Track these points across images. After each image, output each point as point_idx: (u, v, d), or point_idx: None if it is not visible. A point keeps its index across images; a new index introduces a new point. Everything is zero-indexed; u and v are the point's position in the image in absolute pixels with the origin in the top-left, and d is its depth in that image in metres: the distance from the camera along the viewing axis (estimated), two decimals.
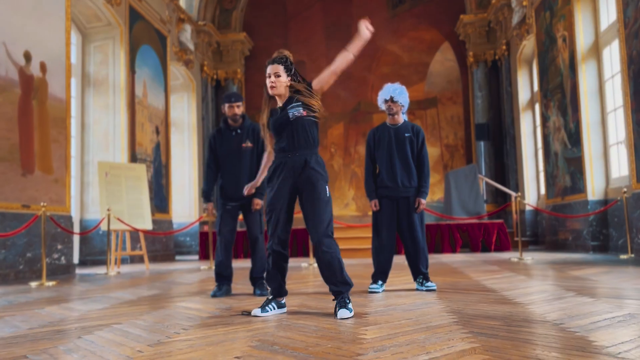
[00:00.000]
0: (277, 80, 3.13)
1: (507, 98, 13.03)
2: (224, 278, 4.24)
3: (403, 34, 14.54)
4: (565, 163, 9.33)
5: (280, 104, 3.21)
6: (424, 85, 14.30)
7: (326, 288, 4.44)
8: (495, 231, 9.81)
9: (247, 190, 3.70)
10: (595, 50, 8.59)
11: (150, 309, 3.55)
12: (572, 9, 8.73)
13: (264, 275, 3.21)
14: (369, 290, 4.05)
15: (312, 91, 3.17)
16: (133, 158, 9.99)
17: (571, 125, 9.01)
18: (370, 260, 5.09)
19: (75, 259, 9.22)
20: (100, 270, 7.88)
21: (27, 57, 7.10)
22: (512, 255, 8.07)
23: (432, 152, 14.18)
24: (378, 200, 4.17)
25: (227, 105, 4.21)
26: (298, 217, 3.28)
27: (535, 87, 11.50)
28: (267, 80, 3.15)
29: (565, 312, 2.84)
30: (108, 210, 7.49)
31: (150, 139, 10.90)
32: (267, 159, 3.41)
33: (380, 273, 4.14)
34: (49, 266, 7.02)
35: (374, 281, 4.14)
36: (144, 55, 10.76)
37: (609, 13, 8.29)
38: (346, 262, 8.03)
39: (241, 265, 7.62)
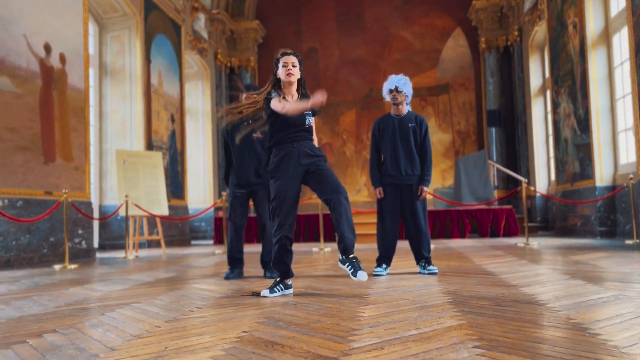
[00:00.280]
0: (295, 69, 3.37)
1: (519, 84, 13.06)
2: (236, 261, 4.48)
3: (415, 21, 14.57)
4: (575, 149, 9.40)
5: (290, 99, 3.40)
6: (435, 71, 14.35)
7: (333, 271, 4.66)
8: (504, 217, 9.94)
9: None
10: (605, 37, 8.61)
11: (167, 289, 3.80)
12: None
13: (277, 260, 3.40)
14: (373, 273, 4.26)
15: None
16: (149, 146, 10.26)
17: (581, 112, 9.07)
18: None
19: (95, 243, 9.57)
20: (119, 254, 8.19)
21: (47, 49, 7.35)
22: (519, 241, 8.21)
23: (444, 138, 14.28)
24: (382, 188, 4.35)
25: (245, 95, 4.37)
26: (306, 204, 3.49)
27: (547, 74, 11.52)
28: (283, 69, 3.35)
29: (554, 293, 3.02)
30: (126, 196, 7.77)
31: (166, 127, 11.15)
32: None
33: (384, 257, 4.34)
34: (70, 250, 7.33)
35: (378, 265, 4.34)
36: (159, 45, 10.98)
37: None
38: (356, 246, 8.23)
39: (252, 250, 7.87)
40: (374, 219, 10.00)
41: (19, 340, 2.25)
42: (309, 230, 10.43)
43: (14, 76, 6.67)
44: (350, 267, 3.14)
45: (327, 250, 7.83)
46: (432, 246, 7.61)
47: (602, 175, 8.54)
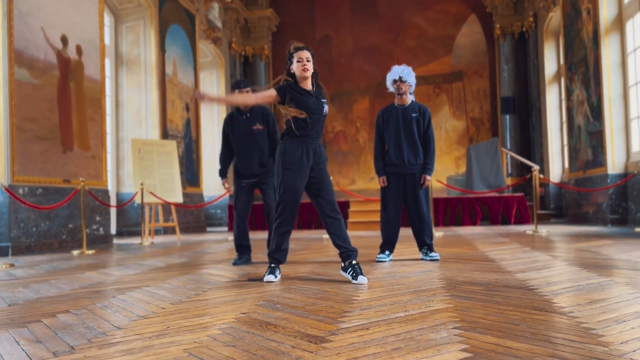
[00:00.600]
0: (309, 64, 3.47)
1: (533, 71, 12.97)
2: (243, 247, 4.64)
3: (429, 7, 14.50)
4: (588, 137, 9.36)
5: (307, 87, 3.51)
6: (449, 58, 14.30)
7: (336, 257, 4.79)
8: (515, 204, 9.97)
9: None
10: (619, 23, 8.53)
11: (177, 274, 3.97)
12: None
13: (278, 248, 3.53)
14: (377, 259, 4.38)
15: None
16: (164, 134, 10.46)
17: (593, 99, 9.02)
18: None
19: (113, 229, 9.84)
20: (135, 240, 8.44)
21: (64, 40, 7.54)
22: (528, 228, 8.25)
23: (458, 125, 14.27)
24: (386, 177, 4.46)
25: (237, 91, 4.54)
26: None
27: (562, 60, 11.42)
28: (298, 64, 3.44)
29: (546, 279, 3.11)
30: (141, 184, 7.98)
31: (181, 116, 11.35)
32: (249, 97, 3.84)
33: (387, 244, 4.45)
34: (88, 236, 7.58)
35: (382, 251, 4.46)
36: (173, 34, 11.14)
37: None
38: (364, 233, 8.38)
39: (260, 237, 8.03)
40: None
41: (34, 320, 2.43)
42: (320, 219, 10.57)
43: (32, 68, 6.88)
44: (351, 271, 3.31)
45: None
46: (440, 233, 7.70)
47: (614, 162, 8.51)
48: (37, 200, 6.69)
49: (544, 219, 10.43)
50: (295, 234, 9.06)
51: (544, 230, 7.65)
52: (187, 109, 11.67)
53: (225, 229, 12.34)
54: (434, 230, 7.71)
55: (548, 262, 3.98)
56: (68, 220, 7.30)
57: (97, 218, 7.95)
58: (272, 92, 3.48)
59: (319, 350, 1.76)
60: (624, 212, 8.35)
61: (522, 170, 13.07)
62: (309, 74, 3.46)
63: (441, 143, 14.16)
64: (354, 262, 3.36)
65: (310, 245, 6.53)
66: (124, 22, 10.55)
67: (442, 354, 1.66)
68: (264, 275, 3.49)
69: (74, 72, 7.70)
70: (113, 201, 9.75)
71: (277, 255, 3.52)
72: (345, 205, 9.95)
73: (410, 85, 4.43)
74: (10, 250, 6.23)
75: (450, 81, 14.34)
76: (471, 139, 14.12)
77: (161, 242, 8.17)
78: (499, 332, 1.91)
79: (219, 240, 8.11)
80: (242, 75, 14.83)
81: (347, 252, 3.41)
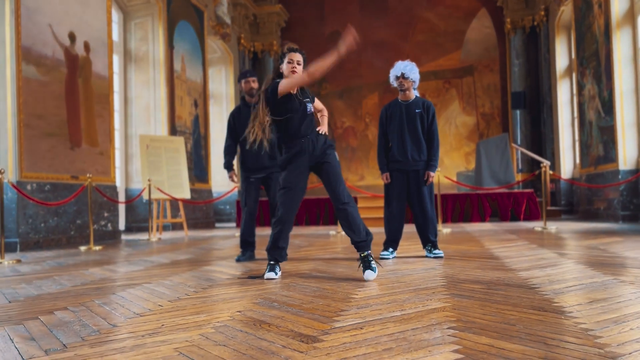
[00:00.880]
0: (299, 67, 3.49)
1: (544, 66, 12.81)
2: (248, 244, 4.64)
3: (439, 2, 14.38)
4: (599, 132, 9.24)
5: (293, 90, 3.48)
6: (459, 53, 14.18)
7: (343, 255, 4.78)
8: (525, 201, 9.87)
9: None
10: (631, 17, 8.39)
11: (179, 271, 3.98)
12: None
13: (275, 245, 3.50)
14: (380, 256, 4.35)
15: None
16: (173, 130, 10.50)
17: (605, 94, 8.89)
18: None
19: (122, 225, 9.91)
20: (143, 236, 8.48)
21: (72, 37, 7.57)
22: (537, 225, 8.16)
23: (468, 121, 14.16)
24: (389, 173, 4.43)
25: (243, 81, 4.53)
26: (322, 188, 3.59)
27: (573, 55, 11.27)
28: (288, 65, 3.46)
29: (549, 277, 3.07)
30: (149, 180, 8.01)
31: (189, 112, 11.37)
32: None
33: (391, 241, 4.42)
34: (96, 232, 7.63)
35: (385, 248, 4.43)
36: (181, 31, 11.15)
37: None
38: (372, 230, 8.30)
39: (265, 234, 8.04)
40: None
41: (31, 317, 2.44)
42: (328, 214, 10.56)
43: (40, 65, 6.92)
44: (360, 265, 3.32)
45: (344, 233, 7.93)
46: (448, 230, 7.65)
47: (626, 158, 8.39)
48: (46, 197, 6.75)
49: (554, 216, 10.32)
50: (301, 230, 9.05)
51: (553, 227, 7.56)
52: (196, 105, 11.69)
53: (234, 224, 12.37)
54: (440, 226, 7.66)
55: (554, 260, 3.92)
56: (76, 216, 7.35)
57: (105, 214, 8.00)
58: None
59: (309, 350, 1.74)
60: (635, 209, 8.24)
61: (532, 166, 12.94)
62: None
63: (451, 138, 14.06)
64: (363, 254, 3.33)
65: (316, 241, 6.51)
66: (132, 19, 10.58)
67: (434, 355, 1.63)
68: (264, 273, 3.48)
69: (82, 69, 7.74)
70: (122, 197, 9.81)
71: (275, 253, 3.50)
72: None
73: (414, 82, 4.39)
74: (18, 246, 6.29)
75: (460, 76, 14.22)
76: (481, 134, 14.00)
77: (169, 238, 8.20)
78: (493, 332, 1.87)
79: (227, 236, 8.12)
80: None
81: (356, 244, 3.37)
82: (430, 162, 4.36)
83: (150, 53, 10.41)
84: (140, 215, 10.07)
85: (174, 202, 9.65)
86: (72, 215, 7.28)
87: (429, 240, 4.38)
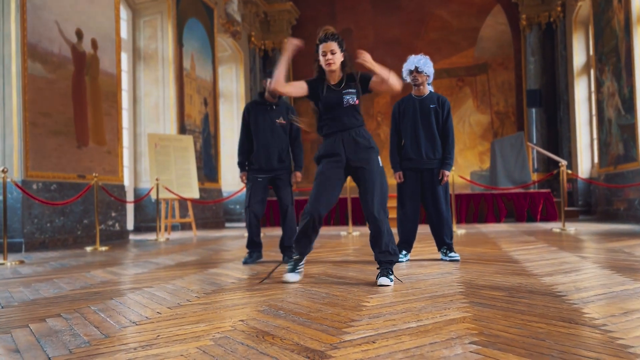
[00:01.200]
0: (333, 57, 3.19)
1: (561, 62, 12.50)
2: (255, 245, 4.47)
3: None
4: (619, 130, 8.95)
5: (331, 81, 3.26)
6: (473, 50, 13.90)
7: (354, 257, 4.60)
8: (542, 201, 9.61)
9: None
10: None
11: (183, 274, 3.81)
12: None
13: (300, 237, 3.27)
14: None
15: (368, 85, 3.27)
16: (182, 129, 10.37)
17: (625, 91, 8.61)
18: None
19: (131, 225, 9.79)
20: (152, 236, 8.35)
21: (79, 34, 7.46)
22: (555, 226, 7.91)
23: (482, 119, 13.89)
24: (402, 172, 4.23)
25: (269, 80, 4.25)
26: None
27: (591, 51, 10.97)
28: (322, 58, 3.19)
29: (575, 284, 2.86)
30: (157, 180, 7.88)
31: (199, 111, 11.24)
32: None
33: (404, 243, 4.23)
34: (104, 232, 7.51)
35: (399, 251, 4.23)
36: (191, 29, 11.02)
37: None
38: None
39: (274, 234, 7.88)
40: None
41: (21, 325, 2.28)
42: (339, 214, 10.38)
43: (46, 62, 6.81)
44: (380, 272, 3.12)
45: (356, 234, 7.75)
46: (462, 231, 7.44)
47: None
48: (52, 196, 6.63)
49: (571, 216, 10.04)
50: None
51: (572, 228, 7.31)
52: (206, 103, 11.56)
53: (244, 224, 12.22)
54: (455, 227, 7.44)
55: (577, 264, 3.71)
56: (83, 216, 7.23)
57: (113, 214, 7.88)
58: (303, 84, 3.28)
59: None
60: None
61: (549, 166, 12.64)
62: (334, 67, 3.20)
63: (465, 137, 13.80)
64: (380, 267, 3.13)
65: (327, 242, 6.33)
66: (141, 16, 10.47)
67: None
68: (286, 271, 3.31)
69: (89, 66, 7.63)
70: (131, 196, 9.70)
71: (299, 244, 3.27)
72: None
73: (428, 76, 4.19)
74: (23, 246, 6.18)
75: (474, 74, 13.94)
76: (496, 133, 13.72)
77: (177, 238, 8.07)
78: (521, 349, 1.68)
79: (236, 237, 7.97)
80: (262, 70, 14.66)
81: (377, 259, 3.16)
82: (445, 160, 4.16)
83: (160, 51, 10.29)
84: (149, 215, 9.95)
85: (183, 201, 9.52)
86: (79, 215, 7.17)
87: (444, 242, 4.18)
